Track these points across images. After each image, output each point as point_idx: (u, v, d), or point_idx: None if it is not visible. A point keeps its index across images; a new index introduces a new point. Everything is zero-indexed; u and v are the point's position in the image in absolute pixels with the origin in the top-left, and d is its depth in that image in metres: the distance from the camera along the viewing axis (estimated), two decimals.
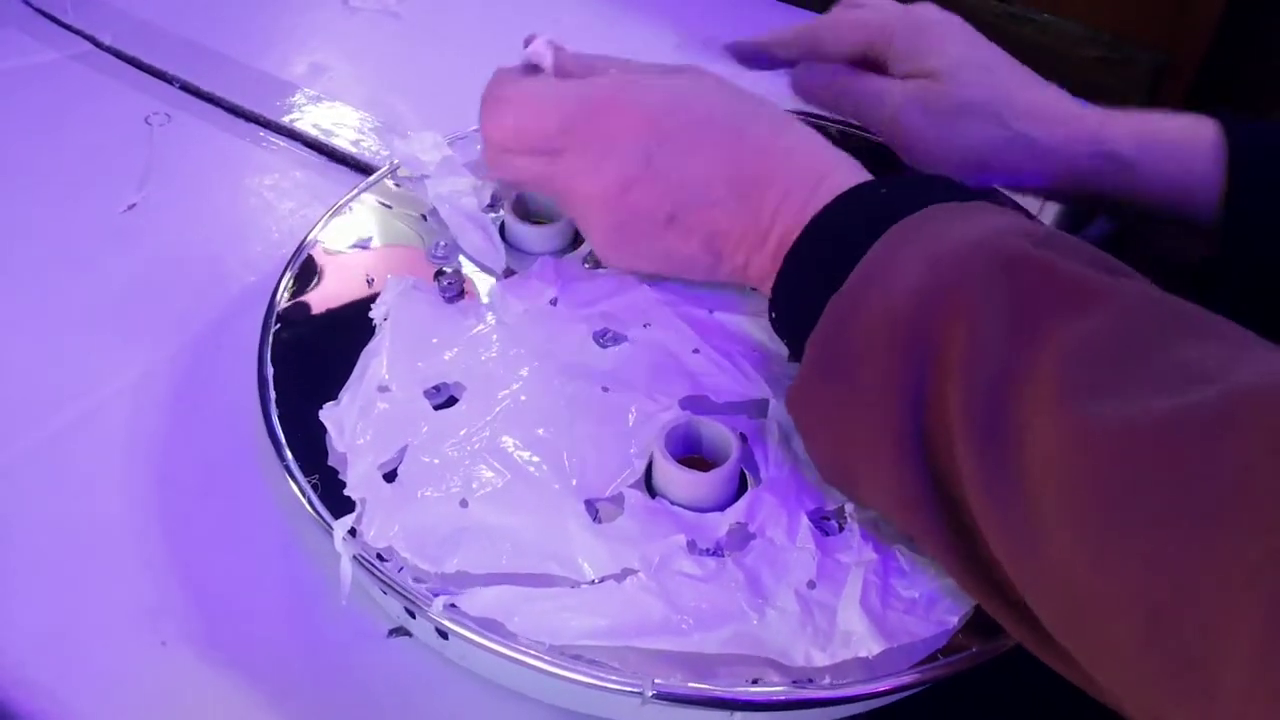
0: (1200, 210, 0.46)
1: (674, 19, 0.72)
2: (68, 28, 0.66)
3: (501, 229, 0.48)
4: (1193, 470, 0.26)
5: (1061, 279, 0.32)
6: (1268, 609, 0.24)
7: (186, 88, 0.62)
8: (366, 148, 0.59)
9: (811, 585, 0.36)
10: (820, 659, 0.35)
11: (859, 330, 0.34)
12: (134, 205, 0.55)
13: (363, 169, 0.57)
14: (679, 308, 0.45)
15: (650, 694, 0.33)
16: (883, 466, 0.34)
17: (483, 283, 0.46)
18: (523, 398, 0.41)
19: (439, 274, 0.46)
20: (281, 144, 0.59)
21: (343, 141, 0.59)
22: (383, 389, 0.42)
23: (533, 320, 0.44)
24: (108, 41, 0.65)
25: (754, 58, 0.51)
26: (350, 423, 0.40)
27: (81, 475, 0.44)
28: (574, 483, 0.38)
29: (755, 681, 0.34)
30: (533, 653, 0.34)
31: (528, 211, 0.48)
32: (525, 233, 0.47)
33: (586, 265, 0.47)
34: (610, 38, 0.68)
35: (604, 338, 0.44)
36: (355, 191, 0.49)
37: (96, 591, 0.41)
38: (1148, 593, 0.26)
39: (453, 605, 0.35)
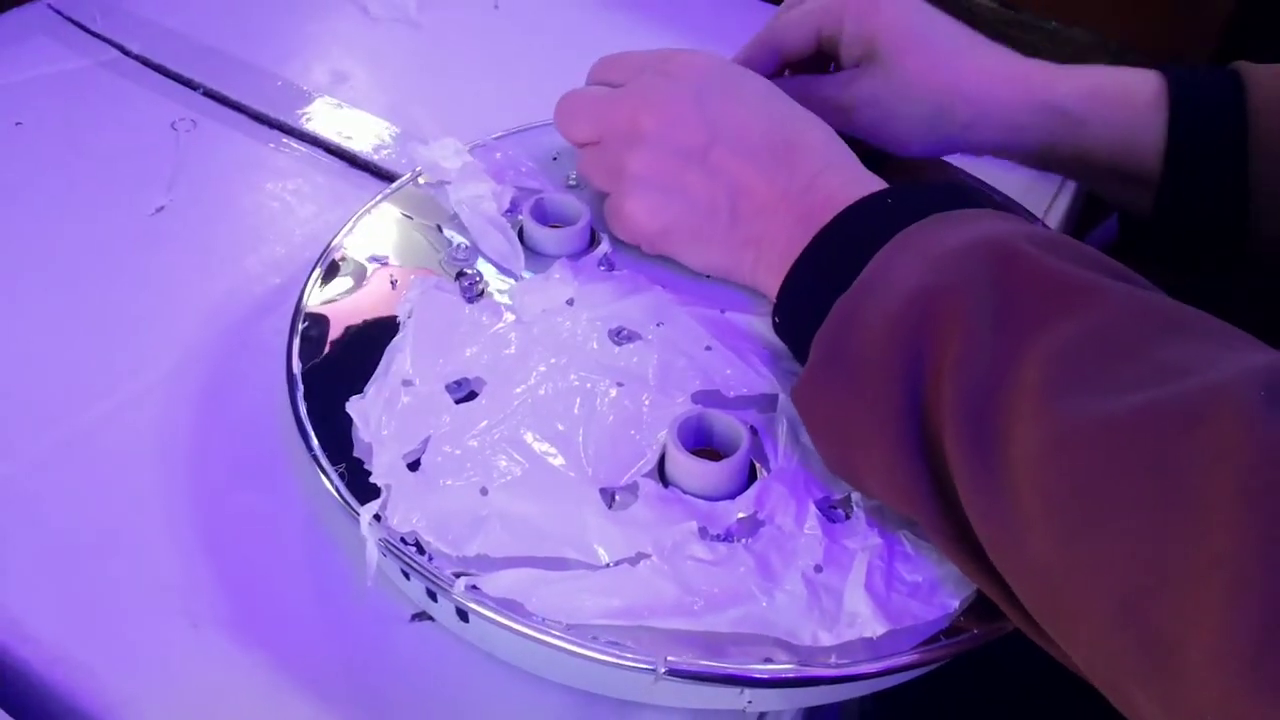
0: (1145, 164, 0.48)
1: (681, 28, 0.74)
2: (97, 36, 0.68)
3: (520, 233, 0.50)
4: (1162, 462, 0.28)
5: (1051, 279, 0.33)
6: (1231, 593, 0.26)
7: (211, 94, 0.64)
8: (386, 154, 0.61)
9: (818, 569, 0.38)
10: (826, 639, 0.36)
11: (862, 330, 0.36)
12: (162, 208, 0.57)
13: (383, 175, 0.59)
14: (692, 308, 0.47)
15: (663, 670, 0.35)
16: (883, 460, 0.36)
17: (502, 284, 0.48)
18: (541, 392, 0.43)
19: (460, 275, 0.48)
20: (303, 149, 0.61)
21: (363, 148, 0.61)
22: (407, 383, 0.44)
23: (550, 320, 0.46)
24: (135, 50, 0.66)
25: None
26: (375, 415, 0.42)
27: (115, 466, 0.46)
28: (590, 472, 0.40)
29: (766, 660, 0.35)
30: (549, 631, 0.36)
31: (546, 216, 0.50)
32: (544, 235, 0.49)
33: (602, 268, 0.49)
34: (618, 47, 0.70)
35: (619, 336, 0.46)
36: (379, 198, 0.51)
37: (131, 575, 0.43)
38: (1119, 579, 0.28)
39: (474, 586, 0.37)
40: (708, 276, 0.48)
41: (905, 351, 0.35)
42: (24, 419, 0.47)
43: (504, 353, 0.45)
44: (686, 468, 0.40)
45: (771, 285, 0.43)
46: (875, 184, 0.42)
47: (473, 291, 0.48)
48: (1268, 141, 0.46)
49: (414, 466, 0.41)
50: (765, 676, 0.35)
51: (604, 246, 0.50)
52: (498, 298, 0.47)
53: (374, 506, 0.39)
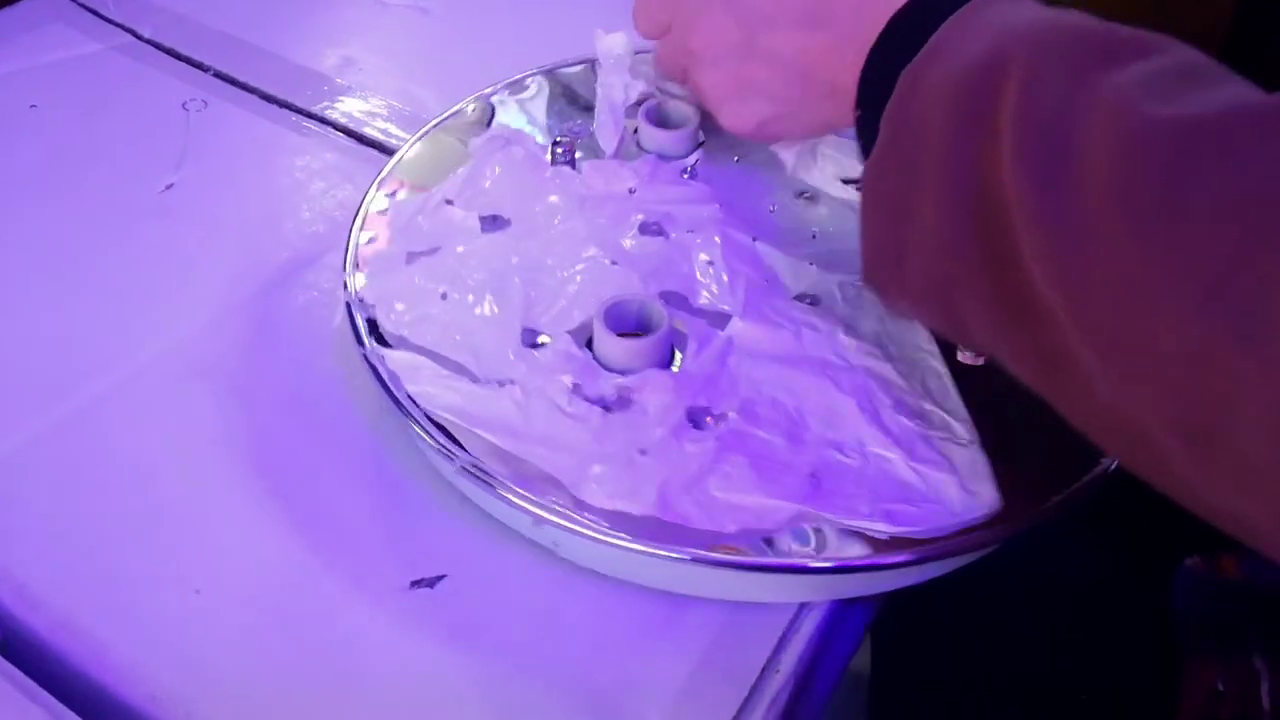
0: None
1: None
2: (110, 21, 0.76)
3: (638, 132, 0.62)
4: (1257, 142, 0.30)
5: (1120, 34, 0.36)
6: None
7: (222, 76, 0.73)
8: (394, 135, 0.68)
9: (643, 452, 0.45)
10: (598, 498, 0.43)
11: (924, 98, 0.39)
12: (171, 185, 0.64)
13: (390, 154, 0.64)
14: (729, 226, 0.55)
15: (457, 466, 0.44)
16: (933, 224, 0.38)
17: (598, 164, 0.59)
18: (555, 248, 0.52)
19: (556, 143, 0.59)
20: (313, 128, 0.70)
21: (371, 129, 0.68)
22: (448, 201, 0.55)
23: (602, 200, 0.56)
24: (147, 34, 0.75)
25: None
26: (409, 214, 0.54)
27: (116, 437, 0.50)
28: (532, 314, 0.50)
29: (549, 499, 0.44)
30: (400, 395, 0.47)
31: (659, 118, 0.60)
32: (652, 136, 0.59)
33: (685, 175, 0.58)
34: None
35: (649, 229, 0.54)
36: (446, 114, 0.61)
37: (134, 543, 0.46)
38: (1212, 253, 0.30)
39: (381, 356, 0.48)
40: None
41: (966, 109, 0.37)
42: (30, 391, 0.52)
43: (545, 206, 0.55)
44: (600, 338, 0.49)
45: (845, 99, 0.45)
46: None
47: (563, 159, 0.58)
48: None
49: (411, 260, 0.52)
50: (553, 515, 0.43)
51: (693, 157, 0.59)
52: (573, 171, 0.57)
53: (360, 278, 0.51)
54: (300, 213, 0.62)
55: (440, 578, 0.46)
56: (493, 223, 0.54)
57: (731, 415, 0.47)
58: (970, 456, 0.45)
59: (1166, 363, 0.31)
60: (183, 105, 0.69)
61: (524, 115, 0.62)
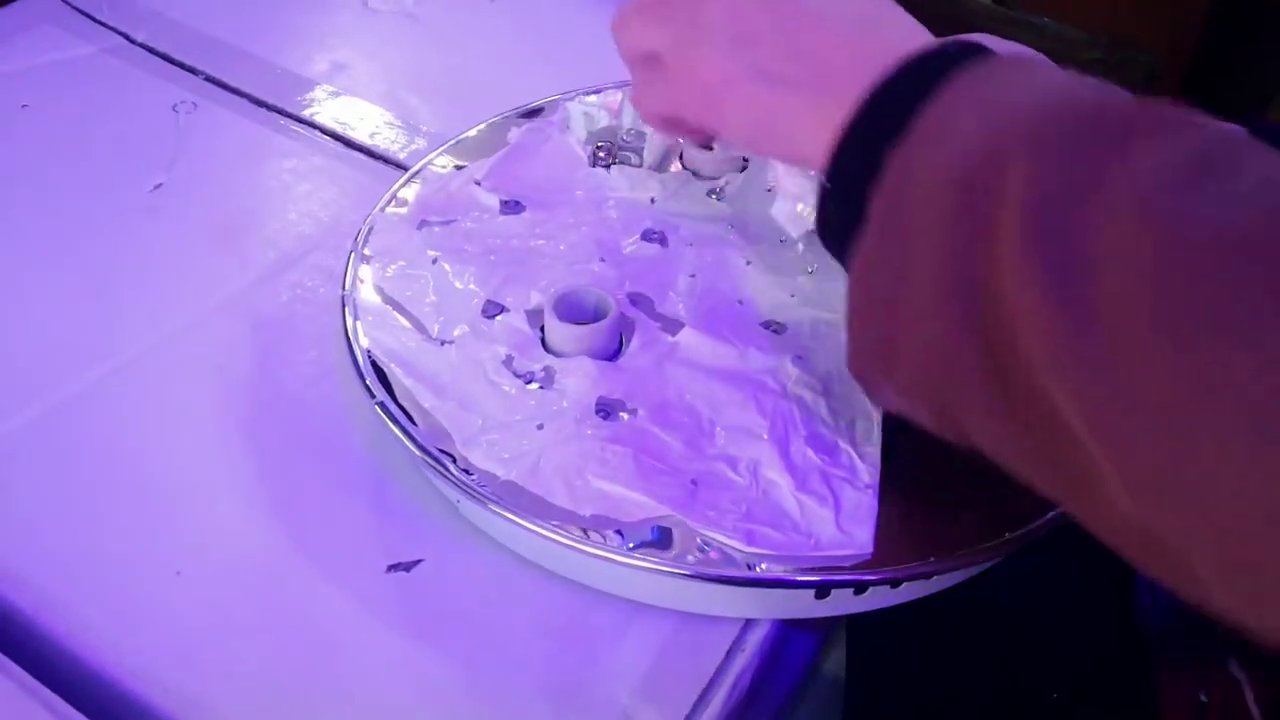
0: None
1: None
2: (102, 24, 0.79)
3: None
4: None
5: (1130, 111, 0.34)
6: None
7: (212, 80, 0.76)
8: (381, 140, 0.70)
9: (540, 426, 0.48)
10: (477, 459, 0.46)
11: (917, 187, 0.36)
12: (160, 185, 0.65)
13: (377, 158, 0.69)
14: (730, 247, 0.57)
15: (376, 402, 0.48)
16: (929, 322, 0.36)
17: (627, 170, 0.62)
18: (554, 238, 0.56)
19: (600, 146, 0.62)
20: (300, 131, 0.72)
21: (359, 133, 0.71)
22: (477, 181, 0.59)
23: (621, 204, 0.59)
24: (139, 38, 0.78)
25: None
26: (438, 186, 0.59)
27: (104, 427, 0.52)
28: (501, 290, 0.53)
29: (437, 446, 0.47)
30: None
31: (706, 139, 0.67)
32: (691, 153, 0.62)
33: (713, 195, 0.61)
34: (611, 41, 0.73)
35: (651, 236, 0.57)
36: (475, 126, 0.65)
37: (118, 526, 0.48)
38: (1256, 392, 0.27)
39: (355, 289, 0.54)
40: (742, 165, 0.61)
41: (961, 208, 0.34)
42: (18, 381, 0.54)
43: (566, 200, 0.59)
44: (545, 318, 0.51)
45: (821, 149, 0.42)
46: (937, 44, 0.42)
47: (601, 162, 0.61)
48: None
49: (421, 226, 0.57)
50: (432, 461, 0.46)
51: (725, 179, 0.60)
52: (612, 174, 0.61)
53: (365, 231, 0.56)
54: (286, 214, 0.64)
55: (417, 562, 0.47)
56: (511, 207, 0.58)
57: (640, 412, 0.49)
58: (858, 499, 0.46)
59: (1208, 492, 0.29)
60: (173, 107, 0.71)
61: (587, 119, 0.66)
